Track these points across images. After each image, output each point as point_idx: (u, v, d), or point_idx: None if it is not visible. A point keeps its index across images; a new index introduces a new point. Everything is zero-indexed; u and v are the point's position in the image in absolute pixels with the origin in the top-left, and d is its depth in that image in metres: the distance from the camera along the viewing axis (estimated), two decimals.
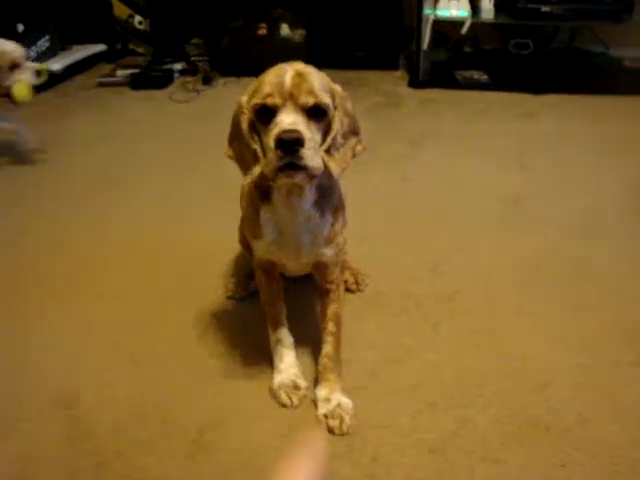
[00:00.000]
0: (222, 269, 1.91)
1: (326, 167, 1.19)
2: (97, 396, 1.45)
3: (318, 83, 1.15)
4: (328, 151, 1.19)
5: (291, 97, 1.12)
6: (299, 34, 3.90)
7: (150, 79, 3.88)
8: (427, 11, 3.56)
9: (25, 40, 3.43)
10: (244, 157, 1.24)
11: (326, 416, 1.35)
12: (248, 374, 1.49)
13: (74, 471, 1.26)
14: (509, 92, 3.51)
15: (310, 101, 1.13)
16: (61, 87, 3.93)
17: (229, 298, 1.77)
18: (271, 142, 1.10)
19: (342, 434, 1.31)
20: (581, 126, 2.99)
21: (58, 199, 2.44)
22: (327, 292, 1.43)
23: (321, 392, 1.39)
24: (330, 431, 1.33)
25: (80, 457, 1.29)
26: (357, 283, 1.77)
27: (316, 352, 1.49)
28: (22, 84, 2.44)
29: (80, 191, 2.51)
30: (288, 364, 1.45)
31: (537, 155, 2.66)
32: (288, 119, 1.11)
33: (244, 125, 1.20)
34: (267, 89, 1.13)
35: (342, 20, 3.93)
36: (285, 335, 1.48)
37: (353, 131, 1.25)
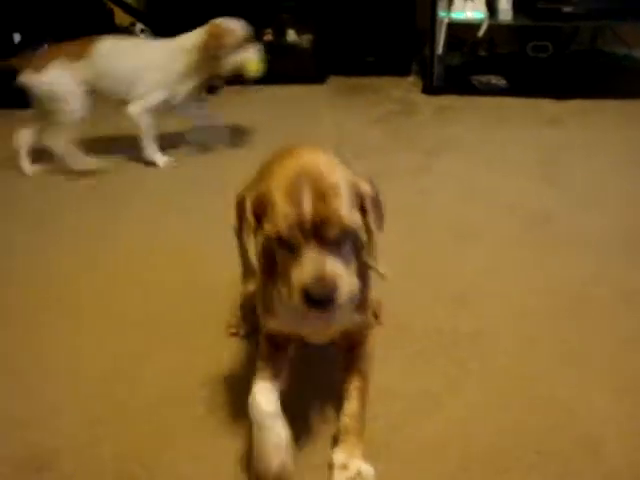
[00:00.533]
0: (223, 302, 1.71)
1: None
2: (78, 455, 1.25)
3: (345, 200, 0.96)
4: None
5: (314, 232, 0.94)
6: (306, 39, 3.73)
7: None
8: (441, 13, 3.37)
9: (22, 51, 3.30)
10: (244, 262, 1.13)
11: None
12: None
13: None
14: (529, 97, 3.31)
15: (337, 232, 0.95)
16: None
17: (232, 335, 1.58)
18: (295, 290, 0.96)
19: None
20: (610, 133, 2.79)
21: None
22: (354, 346, 1.24)
23: (338, 456, 1.17)
24: None
25: None
26: (375, 315, 1.56)
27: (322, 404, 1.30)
28: (254, 60, 2.59)
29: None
30: (266, 417, 1.10)
31: (565, 166, 2.45)
32: (314, 263, 0.94)
33: (245, 236, 1.04)
34: (282, 225, 0.94)
35: (351, 24, 3.74)
36: (267, 394, 1.14)
37: (380, 217, 1.09)
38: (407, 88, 3.62)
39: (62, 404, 1.39)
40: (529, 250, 1.89)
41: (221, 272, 1.74)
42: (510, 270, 1.79)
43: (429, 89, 3.49)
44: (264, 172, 1.05)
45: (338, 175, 0.98)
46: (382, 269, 1.09)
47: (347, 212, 0.95)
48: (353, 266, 1.02)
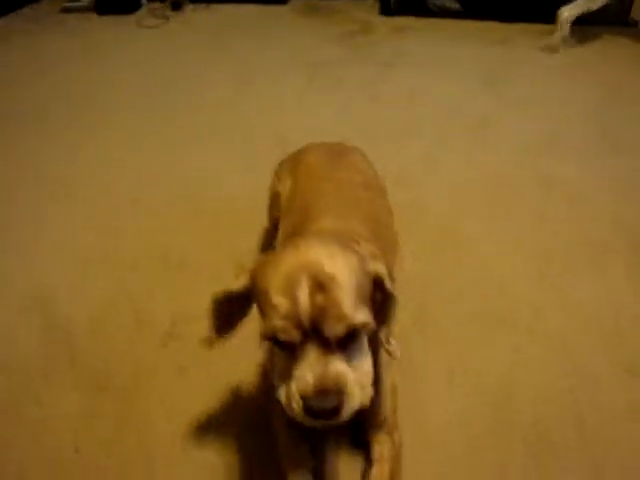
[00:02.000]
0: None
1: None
2: (71, 294, 1.48)
3: (348, 293, 0.80)
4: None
5: (313, 328, 0.79)
6: None
7: (116, 4, 3.76)
8: None
9: None
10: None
11: None
12: (219, 274, 1.53)
13: (50, 361, 1.31)
14: (482, 20, 3.49)
15: (341, 330, 0.79)
16: (25, 12, 3.82)
17: None
18: (295, 397, 0.80)
19: None
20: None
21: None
22: (377, 431, 1.08)
23: None
24: None
25: (56, 348, 1.34)
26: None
27: None
28: None
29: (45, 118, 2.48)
30: None
31: (505, 78, 2.67)
32: (314, 366, 0.79)
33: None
34: (276, 319, 0.80)
35: None
36: None
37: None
38: (367, 10, 3.76)
39: (57, 259, 1.61)
40: (465, 146, 2.13)
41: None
42: (446, 161, 2.03)
43: (387, 11, 3.64)
44: (261, 263, 0.90)
45: (341, 263, 0.82)
46: (393, 348, 0.98)
47: (351, 305, 0.80)
48: (367, 364, 0.86)
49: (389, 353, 0.97)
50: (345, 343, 0.81)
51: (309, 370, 0.79)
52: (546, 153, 2.07)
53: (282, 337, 0.80)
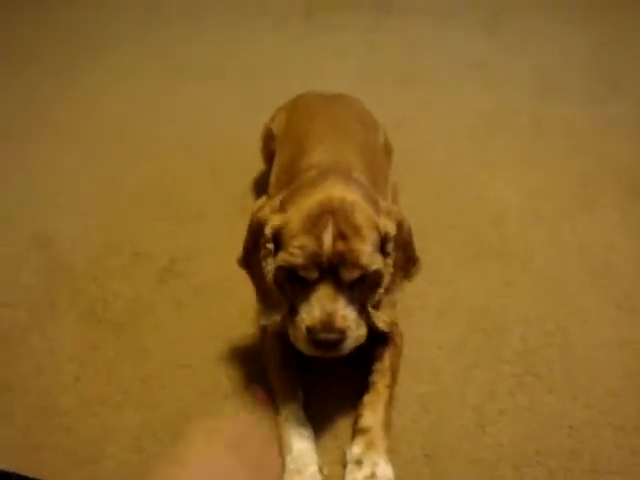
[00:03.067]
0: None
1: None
2: (72, 234, 1.51)
3: (367, 245, 0.90)
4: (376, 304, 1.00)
5: (331, 269, 0.89)
6: None
7: None
8: None
9: None
10: (263, 289, 1.00)
11: None
12: (217, 213, 1.55)
13: (53, 297, 1.34)
14: None
15: (355, 275, 0.90)
16: None
17: None
18: (302, 328, 0.91)
19: None
20: None
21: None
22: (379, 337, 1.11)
23: (353, 449, 0.98)
24: None
25: (58, 285, 1.37)
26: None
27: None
28: None
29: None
30: (302, 460, 0.96)
31: (505, 21, 2.64)
32: (325, 303, 0.89)
33: (265, 264, 0.96)
34: (299, 257, 0.89)
35: None
36: (296, 412, 1.04)
37: (408, 259, 1.03)
38: None
39: (57, 200, 1.63)
40: (464, 88, 2.13)
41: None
42: (444, 106, 2.03)
43: None
44: (287, 199, 0.97)
45: (364, 215, 0.91)
46: (383, 322, 1.01)
47: (369, 255, 0.90)
48: (364, 315, 0.97)
49: (377, 324, 1.01)
50: (354, 285, 0.92)
51: (319, 306, 0.89)
52: (544, 96, 2.07)
53: (301, 274, 0.90)
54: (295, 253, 0.89)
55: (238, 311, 1.29)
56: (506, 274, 1.37)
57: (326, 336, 0.89)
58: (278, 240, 0.94)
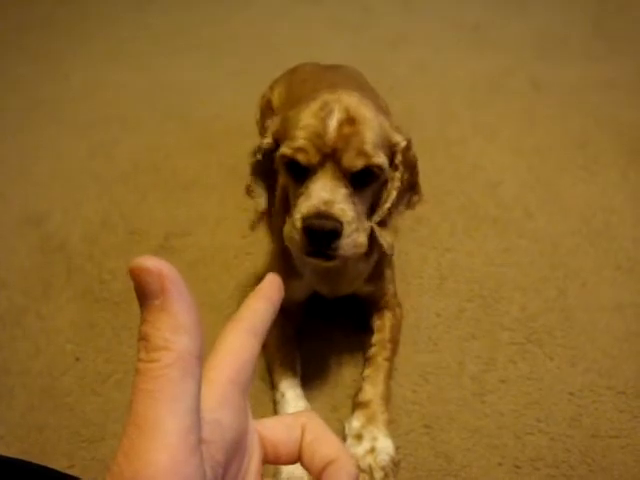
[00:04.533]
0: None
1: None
2: (66, 213, 1.49)
3: (373, 135, 0.85)
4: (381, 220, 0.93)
5: (333, 156, 0.83)
6: None
7: None
8: None
9: None
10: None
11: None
12: (211, 187, 1.53)
13: (48, 277, 1.33)
14: None
15: (359, 164, 0.84)
16: None
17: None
18: (297, 221, 0.83)
19: None
20: None
21: None
22: (379, 309, 1.13)
23: (353, 423, 0.98)
24: None
25: (53, 264, 1.36)
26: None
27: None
28: None
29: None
30: None
31: None
32: (323, 193, 0.82)
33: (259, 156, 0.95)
34: (301, 138, 0.84)
35: None
36: (294, 387, 1.03)
37: (412, 185, 0.97)
38: None
39: (49, 177, 1.61)
40: (459, 50, 2.09)
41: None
42: (438, 68, 1.99)
43: None
44: (294, 88, 1.00)
45: (373, 114, 0.87)
46: (386, 241, 0.94)
47: (374, 148, 0.84)
48: (367, 223, 0.89)
49: (383, 244, 0.95)
50: (356, 184, 0.85)
51: (316, 193, 0.82)
52: (542, 57, 2.03)
53: (301, 158, 0.84)
54: (297, 135, 0.84)
55: (235, 283, 1.28)
56: (504, 240, 1.36)
57: (320, 222, 0.81)
58: (282, 134, 0.90)
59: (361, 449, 0.94)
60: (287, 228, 0.88)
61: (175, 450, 0.26)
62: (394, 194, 0.91)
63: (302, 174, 0.86)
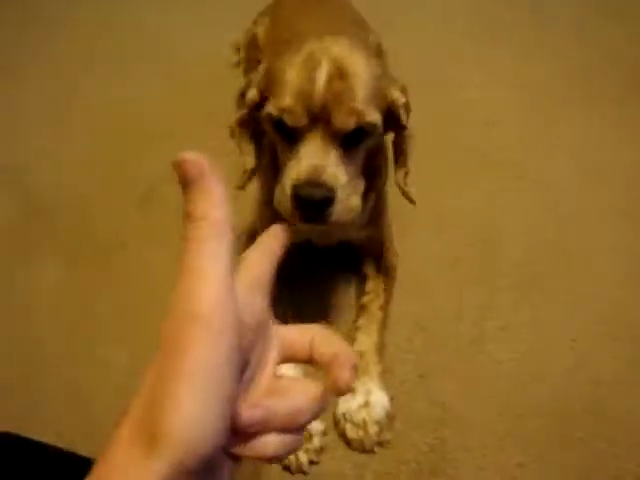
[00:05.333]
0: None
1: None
2: (45, 165, 1.42)
3: (366, 91, 0.76)
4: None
5: (322, 115, 0.74)
6: None
7: None
8: None
9: None
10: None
11: (345, 418, 0.93)
12: (194, 136, 1.44)
13: (31, 235, 1.28)
14: None
15: (350, 124, 0.75)
16: None
17: None
18: (287, 187, 0.77)
19: (366, 451, 0.93)
20: None
21: None
22: (373, 256, 1.10)
23: None
24: (348, 444, 0.93)
25: (34, 225, 1.30)
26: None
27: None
28: None
29: None
30: None
31: None
32: (314, 157, 0.75)
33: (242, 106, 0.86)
34: (287, 97, 0.75)
35: None
36: None
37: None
38: None
39: (28, 128, 1.54)
40: None
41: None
42: (437, 1, 1.88)
43: None
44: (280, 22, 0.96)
45: (365, 66, 0.78)
46: (413, 193, 0.91)
47: (367, 102, 0.76)
48: (361, 183, 0.84)
49: (407, 196, 0.91)
50: (349, 144, 0.77)
51: (307, 160, 0.75)
52: None
53: (289, 119, 0.75)
54: (283, 93, 0.75)
55: None
56: (502, 183, 1.30)
57: (311, 190, 0.74)
58: (268, 88, 0.81)
59: (354, 403, 0.91)
60: (278, 192, 0.80)
61: (217, 289, 0.34)
62: (414, 152, 0.87)
63: (290, 135, 0.78)
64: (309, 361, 0.44)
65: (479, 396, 0.97)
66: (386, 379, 0.96)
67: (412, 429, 0.94)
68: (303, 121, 0.75)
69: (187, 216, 0.36)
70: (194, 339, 0.32)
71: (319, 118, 0.75)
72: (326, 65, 0.74)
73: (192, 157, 0.36)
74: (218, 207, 0.36)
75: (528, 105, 1.48)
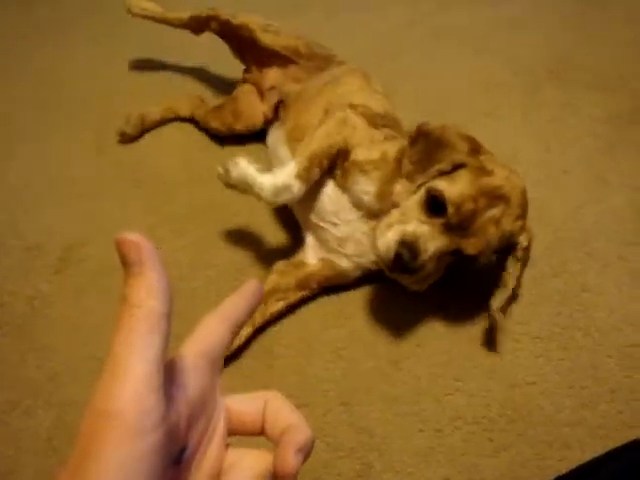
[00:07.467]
0: None
1: None
2: None
3: (499, 243, 0.90)
4: None
5: (461, 224, 0.87)
6: None
7: None
8: None
9: None
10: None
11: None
12: (109, 195, 1.45)
13: None
14: None
15: (468, 252, 0.89)
16: None
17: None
18: (392, 237, 0.89)
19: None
20: None
21: None
22: None
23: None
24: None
25: None
26: None
27: None
28: None
29: None
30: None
31: None
32: (422, 226, 0.88)
33: None
34: (458, 195, 0.87)
35: None
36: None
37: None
38: None
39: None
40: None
41: None
42: (340, 30, 1.92)
43: None
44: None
45: (513, 219, 0.90)
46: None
47: (490, 251, 0.91)
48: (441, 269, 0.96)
49: (493, 325, 1.04)
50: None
51: (416, 225, 0.87)
52: (441, 6, 1.98)
53: (451, 211, 0.87)
54: (459, 188, 0.87)
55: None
56: None
57: (406, 253, 0.86)
58: None
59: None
60: (381, 229, 0.91)
61: (135, 387, 0.32)
62: (514, 282, 0.96)
63: (435, 204, 0.88)
64: (260, 433, 0.41)
65: (401, 415, 0.98)
66: (309, 413, 0.96)
67: (338, 458, 0.94)
68: (451, 219, 0.87)
69: (122, 299, 0.35)
70: (106, 440, 0.31)
71: (459, 224, 0.86)
72: (503, 207, 0.87)
73: (133, 238, 0.35)
74: (154, 297, 0.34)
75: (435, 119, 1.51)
